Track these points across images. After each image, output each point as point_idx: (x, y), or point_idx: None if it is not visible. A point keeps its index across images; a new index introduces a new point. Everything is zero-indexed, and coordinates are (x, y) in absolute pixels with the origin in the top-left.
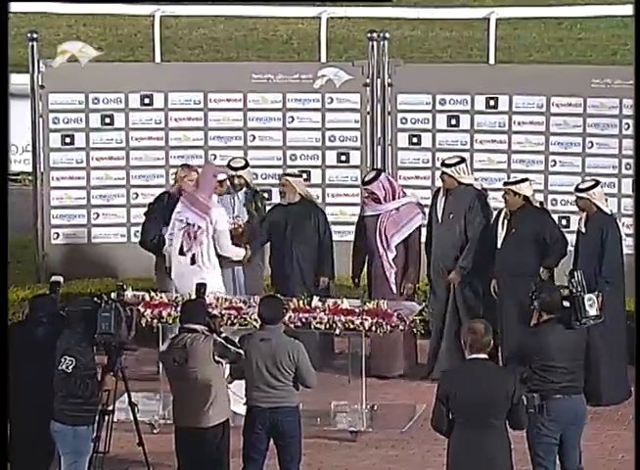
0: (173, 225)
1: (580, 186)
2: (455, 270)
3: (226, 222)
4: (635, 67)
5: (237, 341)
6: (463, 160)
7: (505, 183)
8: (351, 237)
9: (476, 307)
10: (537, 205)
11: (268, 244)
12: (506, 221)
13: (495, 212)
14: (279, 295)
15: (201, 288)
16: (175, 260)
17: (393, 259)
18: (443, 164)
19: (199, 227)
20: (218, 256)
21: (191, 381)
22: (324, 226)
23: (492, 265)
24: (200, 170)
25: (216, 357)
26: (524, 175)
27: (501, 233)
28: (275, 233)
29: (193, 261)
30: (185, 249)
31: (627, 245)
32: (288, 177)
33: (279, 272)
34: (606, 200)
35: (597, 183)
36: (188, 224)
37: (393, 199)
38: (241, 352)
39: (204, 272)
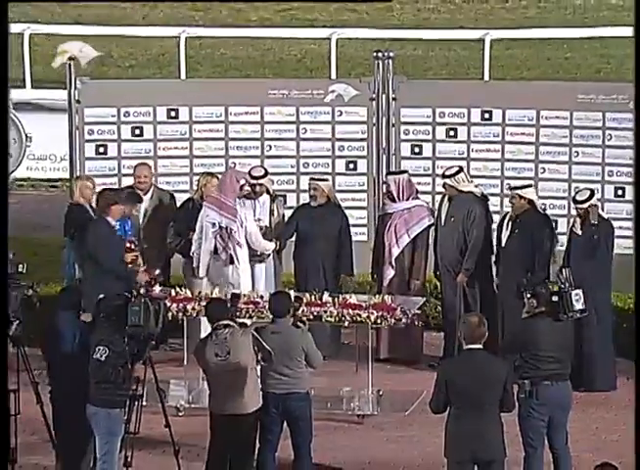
0: (204, 230)
1: (578, 198)
2: (461, 272)
3: (254, 221)
4: (635, 69)
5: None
6: (461, 169)
7: (512, 188)
8: (359, 238)
9: (482, 303)
10: (540, 210)
11: (292, 242)
12: (511, 223)
13: (501, 215)
14: (298, 289)
15: (235, 298)
16: (210, 261)
17: (398, 257)
18: (444, 176)
19: (231, 229)
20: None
21: (233, 372)
22: (345, 228)
23: (491, 265)
24: (220, 176)
25: (255, 349)
26: (518, 182)
27: (505, 233)
28: (301, 231)
29: (232, 261)
30: (220, 250)
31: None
32: (319, 182)
33: (302, 268)
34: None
35: (593, 193)
36: (220, 227)
37: (407, 199)
38: (271, 350)
39: (239, 271)
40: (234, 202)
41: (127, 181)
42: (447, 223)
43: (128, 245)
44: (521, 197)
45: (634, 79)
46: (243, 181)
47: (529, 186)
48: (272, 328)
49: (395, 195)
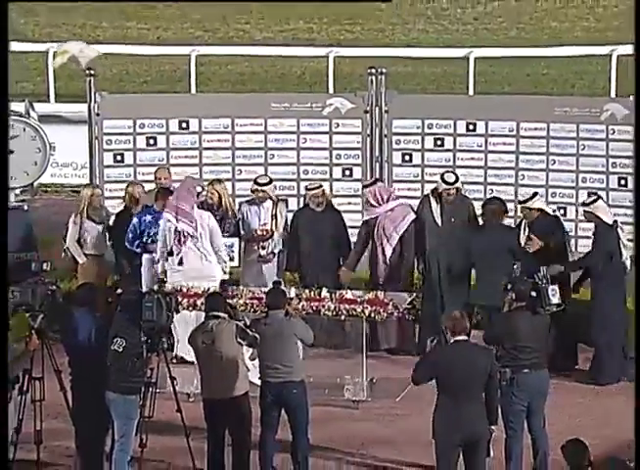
0: (168, 235)
1: (585, 201)
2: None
3: (215, 224)
4: (636, 71)
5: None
6: (457, 174)
7: (519, 202)
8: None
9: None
10: (551, 212)
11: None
12: (527, 227)
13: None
14: (305, 286)
15: (223, 284)
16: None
17: (391, 255)
18: (449, 183)
19: (187, 234)
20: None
21: (217, 359)
22: (344, 227)
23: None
24: (177, 185)
25: (238, 339)
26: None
27: (523, 237)
28: (305, 233)
29: (180, 263)
30: (175, 252)
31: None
32: (318, 190)
33: (308, 266)
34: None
35: (598, 197)
36: (178, 232)
37: (387, 201)
38: (257, 336)
39: (205, 268)
40: (192, 209)
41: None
42: (447, 224)
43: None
44: (530, 208)
45: (634, 81)
46: (199, 189)
47: (534, 196)
48: (265, 320)
49: (374, 202)
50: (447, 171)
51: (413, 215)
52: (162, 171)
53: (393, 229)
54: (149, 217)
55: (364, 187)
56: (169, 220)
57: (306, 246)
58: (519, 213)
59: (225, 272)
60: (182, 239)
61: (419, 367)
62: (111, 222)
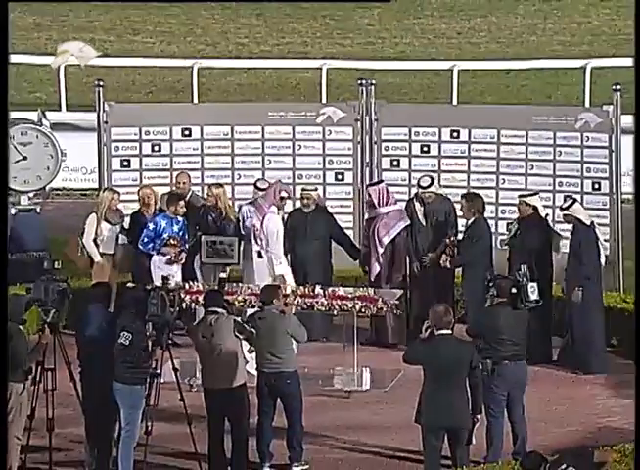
0: (251, 230)
1: (562, 205)
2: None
3: (276, 227)
4: (635, 73)
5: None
6: (432, 178)
7: (519, 196)
8: None
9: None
10: (543, 214)
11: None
12: (517, 225)
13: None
14: (296, 281)
15: (221, 282)
16: (254, 260)
17: (382, 254)
18: (423, 187)
19: (257, 228)
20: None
21: (216, 352)
22: (336, 224)
23: None
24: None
25: (236, 333)
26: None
27: (510, 234)
28: (298, 233)
29: (260, 256)
30: (253, 246)
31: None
32: (311, 192)
33: (300, 263)
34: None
35: (574, 200)
36: (254, 226)
37: (387, 204)
38: (253, 330)
39: (259, 265)
40: (268, 207)
41: None
42: (429, 222)
43: (172, 242)
44: (527, 203)
45: (635, 83)
46: (284, 194)
47: (535, 194)
48: (259, 315)
49: (376, 202)
50: (423, 176)
51: (405, 221)
52: (183, 176)
53: (385, 233)
54: (164, 222)
55: (369, 186)
56: (251, 217)
57: (297, 244)
58: (500, 215)
59: (273, 276)
60: (255, 235)
61: (410, 350)
62: (125, 224)
